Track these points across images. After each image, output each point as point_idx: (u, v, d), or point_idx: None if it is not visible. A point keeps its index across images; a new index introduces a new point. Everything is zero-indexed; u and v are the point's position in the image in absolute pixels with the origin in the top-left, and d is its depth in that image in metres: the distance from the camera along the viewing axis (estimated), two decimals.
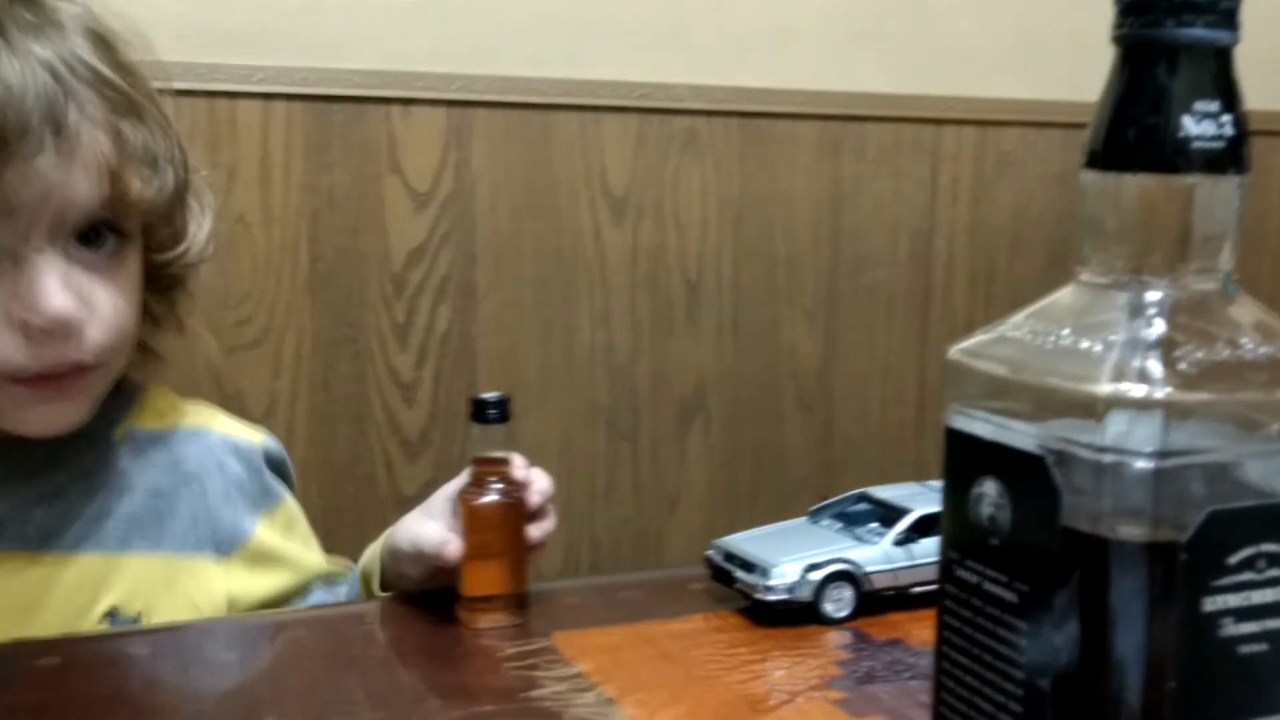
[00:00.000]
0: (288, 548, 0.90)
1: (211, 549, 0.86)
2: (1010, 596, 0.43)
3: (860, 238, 1.42)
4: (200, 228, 0.86)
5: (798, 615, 0.77)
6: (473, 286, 1.28)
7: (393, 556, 0.83)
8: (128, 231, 0.80)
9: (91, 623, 0.81)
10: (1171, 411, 0.39)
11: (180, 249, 0.85)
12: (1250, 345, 0.41)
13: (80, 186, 0.75)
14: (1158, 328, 0.41)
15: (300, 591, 0.91)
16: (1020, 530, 0.43)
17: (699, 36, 1.32)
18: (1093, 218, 0.43)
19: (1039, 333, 0.43)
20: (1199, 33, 0.41)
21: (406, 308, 1.26)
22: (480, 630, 0.76)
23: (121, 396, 0.88)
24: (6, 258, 0.75)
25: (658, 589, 0.85)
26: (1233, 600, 0.41)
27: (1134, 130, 0.42)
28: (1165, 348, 0.40)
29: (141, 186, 0.78)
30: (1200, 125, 0.41)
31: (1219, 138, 0.41)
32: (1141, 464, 0.39)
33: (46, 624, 0.80)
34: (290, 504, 0.93)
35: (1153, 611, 0.40)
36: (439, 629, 0.76)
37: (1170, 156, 0.41)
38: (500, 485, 0.78)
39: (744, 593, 0.78)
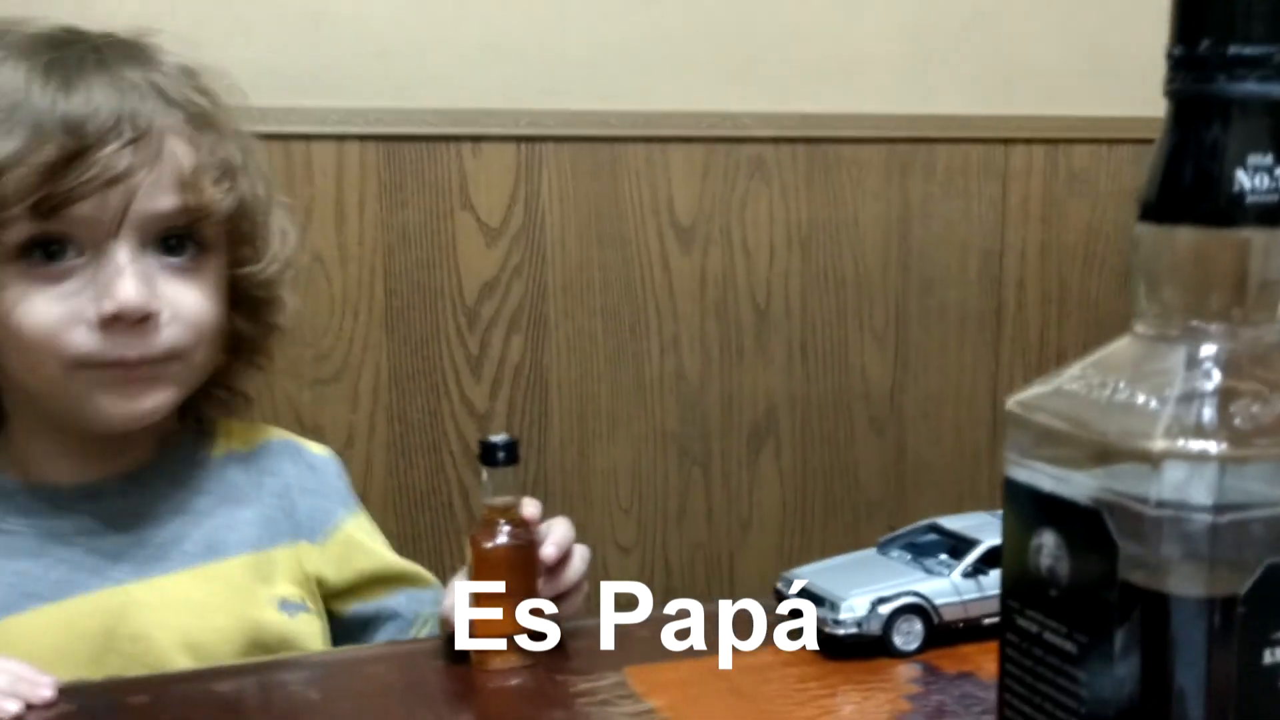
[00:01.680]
0: (374, 543, 0.96)
1: (307, 537, 0.93)
2: (1070, 647, 0.44)
3: (929, 259, 1.42)
4: (282, 248, 0.92)
5: (868, 648, 0.77)
6: (544, 317, 1.30)
7: None
8: (206, 241, 0.85)
9: (271, 614, 0.87)
10: (1226, 466, 0.39)
11: (259, 266, 0.90)
12: None
13: (158, 190, 0.81)
14: (1213, 381, 0.41)
15: (388, 586, 0.95)
16: (1078, 582, 0.43)
17: (764, 65, 1.33)
18: (1148, 270, 0.44)
19: (1095, 385, 0.44)
20: (1251, 87, 0.41)
21: (480, 340, 1.28)
22: (491, 672, 0.76)
23: (203, 429, 0.94)
24: (88, 253, 0.80)
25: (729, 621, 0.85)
26: None
27: (1187, 184, 0.42)
28: (1220, 401, 0.41)
29: (216, 195, 0.84)
30: (1254, 179, 0.41)
31: (1274, 190, 0.42)
32: (1197, 518, 0.39)
33: (233, 621, 0.86)
34: (365, 513, 0.99)
35: (1212, 664, 0.40)
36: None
37: (1224, 210, 0.42)
38: (509, 528, 0.78)
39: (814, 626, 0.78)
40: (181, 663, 0.82)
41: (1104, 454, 0.42)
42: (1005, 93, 1.40)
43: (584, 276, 1.31)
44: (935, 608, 0.78)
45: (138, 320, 0.80)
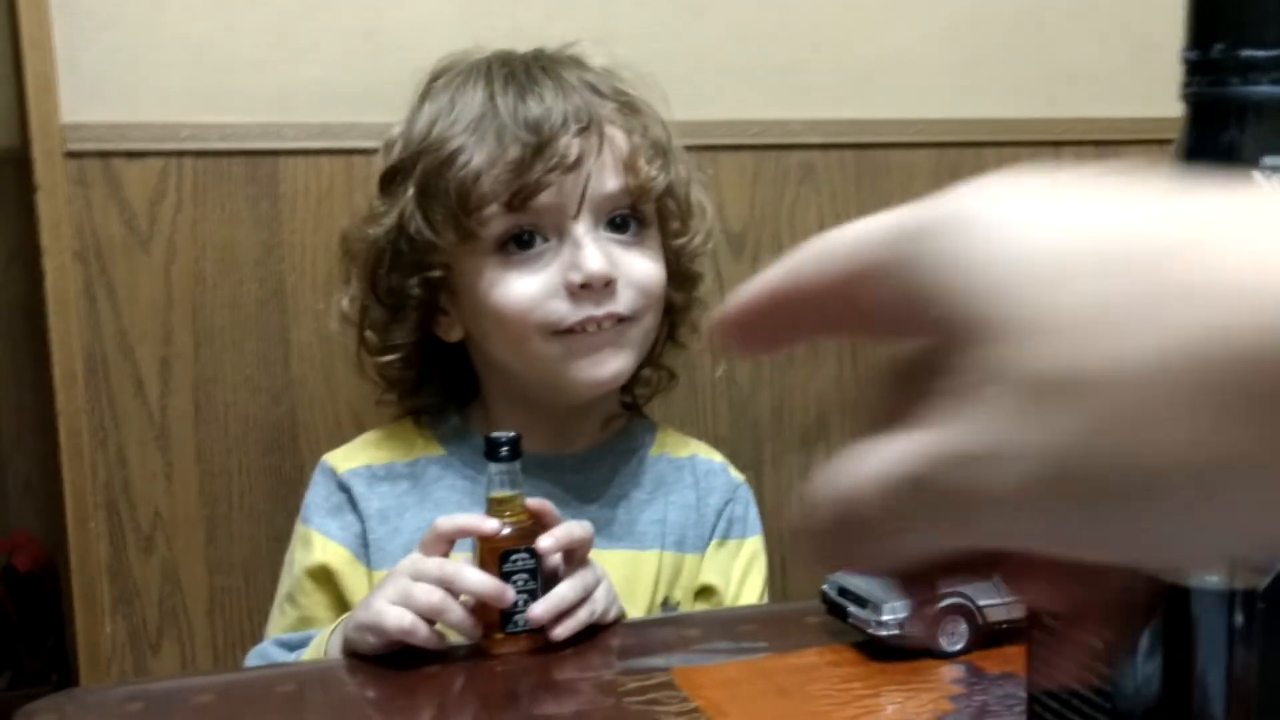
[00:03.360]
0: (746, 580, 1.05)
1: (704, 550, 1.04)
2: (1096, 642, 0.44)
3: None
4: (703, 221, 1.05)
5: (912, 649, 0.78)
6: None
7: None
8: (645, 218, 0.99)
9: (654, 610, 0.98)
10: None
11: (688, 237, 1.03)
12: None
13: (606, 173, 0.95)
14: None
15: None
16: None
17: (811, 72, 1.34)
18: None
19: None
20: (1265, 90, 0.42)
21: None
22: (497, 656, 0.80)
23: (645, 425, 1.09)
24: (556, 234, 0.94)
25: (775, 623, 0.87)
26: None
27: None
28: None
29: (651, 173, 0.97)
30: (1270, 180, 0.42)
31: None
32: None
33: (633, 607, 0.94)
34: (758, 541, 1.07)
35: (1233, 657, 0.41)
36: (559, 664, 0.80)
37: None
38: (513, 520, 0.80)
39: (858, 628, 0.79)
40: None
41: None
42: (1053, 95, 1.40)
43: None
44: (979, 609, 0.79)
45: (601, 286, 0.93)
